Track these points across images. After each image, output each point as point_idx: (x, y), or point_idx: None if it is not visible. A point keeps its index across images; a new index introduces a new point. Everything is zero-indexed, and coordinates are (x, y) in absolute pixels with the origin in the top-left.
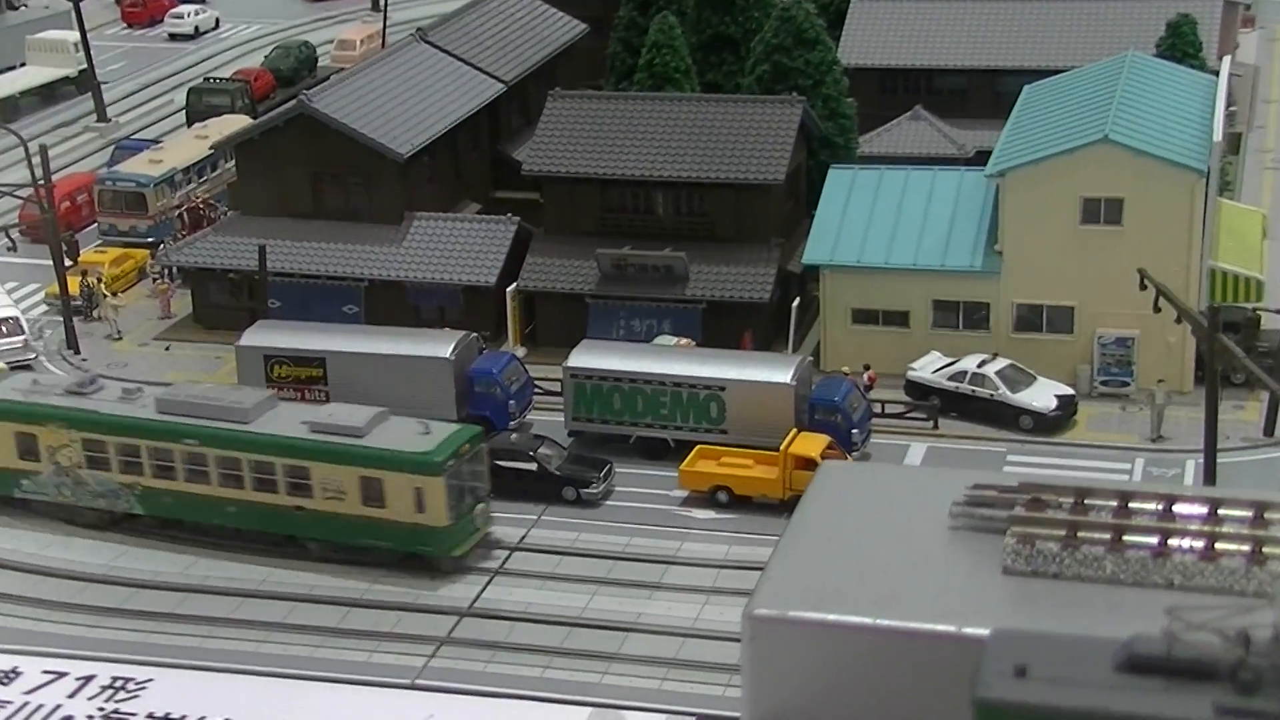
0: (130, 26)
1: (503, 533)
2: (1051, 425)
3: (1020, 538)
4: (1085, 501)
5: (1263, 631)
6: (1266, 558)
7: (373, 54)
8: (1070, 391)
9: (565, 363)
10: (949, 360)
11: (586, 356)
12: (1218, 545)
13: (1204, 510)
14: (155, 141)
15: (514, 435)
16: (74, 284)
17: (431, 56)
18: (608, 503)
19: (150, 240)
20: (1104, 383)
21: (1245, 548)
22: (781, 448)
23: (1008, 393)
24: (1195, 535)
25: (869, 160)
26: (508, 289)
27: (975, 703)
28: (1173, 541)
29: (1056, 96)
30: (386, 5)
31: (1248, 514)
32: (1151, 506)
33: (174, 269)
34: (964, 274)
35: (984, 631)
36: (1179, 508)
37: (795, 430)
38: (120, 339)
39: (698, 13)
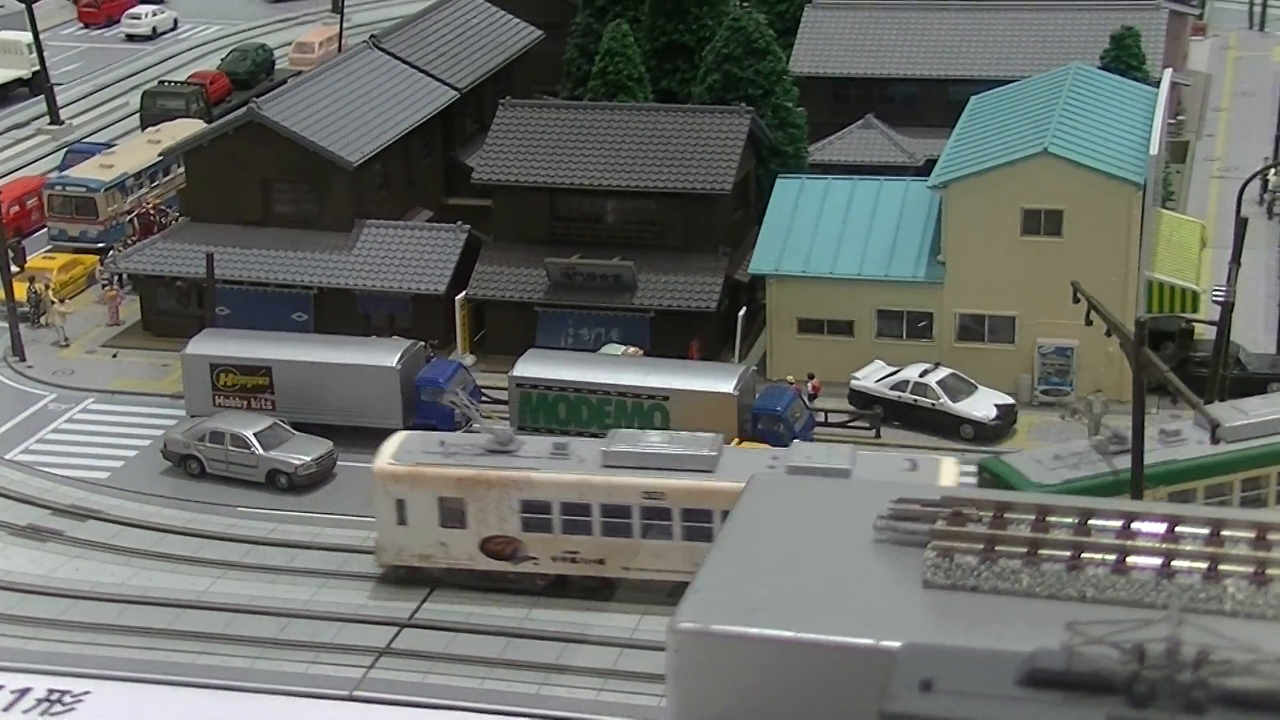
0: (87, 26)
1: None
2: (992, 434)
3: (940, 551)
4: (1005, 515)
5: (1158, 645)
6: (1175, 571)
7: (331, 57)
8: (1010, 401)
9: (511, 372)
10: (892, 369)
11: (532, 366)
12: (1129, 559)
13: (1118, 524)
14: (108, 145)
15: None
16: (21, 290)
17: (384, 63)
18: None
19: (100, 246)
20: (1044, 391)
21: (1156, 561)
22: None
23: (949, 402)
24: (1108, 549)
25: (821, 168)
26: (457, 297)
27: (880, 716)
28: (1086, 555)
29: (1001, 108)
30: (343, 7)
31: (1160, 528)
32: (1068, 520)
33: (123, 275)
34: (908, 284)
35: (901, 644)
36: (1095, 521)
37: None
38: (67, 346)
39: (652, 20)
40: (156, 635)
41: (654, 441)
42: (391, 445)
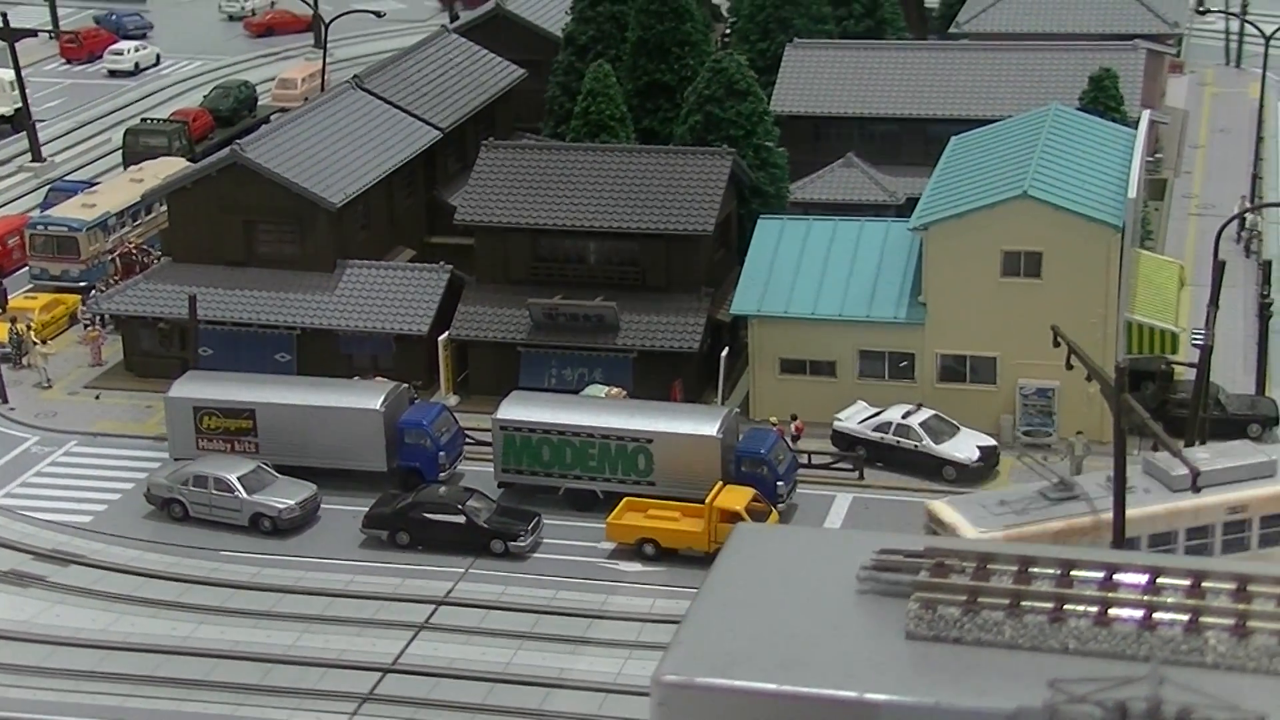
0: (69, 63)
1: (429, 586)
2: (974, 476)
3: (923, 603)
4: (988, 566)
5: (1139, 703)
6: (1157, 623)
7: (314, 93)
8: (992, 442)
9: (494, 414)
10: (874, 410)
11: (515, 408)
12: (1111, 611)
13: (1100, 575)
14: (90, 183)
15: (442, 488)
16: (2, 330)
17: (367, 103)
18: (535, 555)
19: (82, 285)
20: (1026, 432)
21: (1138, 613)
22: (707, 500)
23: (931, 444)
24: (1090, 601)
25: (802, 207)
26: (440, 338)
27: None
28: (1069, 607)
29: (981, 148)
30: (326, 43)
31: (1142, 579)
32: (1050, 571)
33: (105, 315)
34: (889, 324)
35: (884, 697)
36: (1077, 573)
37: (721, 483)
38: (50, 387)
39: (634, 60)
40: (138, 682)
41: (1204, 458)
42: (956, 517)
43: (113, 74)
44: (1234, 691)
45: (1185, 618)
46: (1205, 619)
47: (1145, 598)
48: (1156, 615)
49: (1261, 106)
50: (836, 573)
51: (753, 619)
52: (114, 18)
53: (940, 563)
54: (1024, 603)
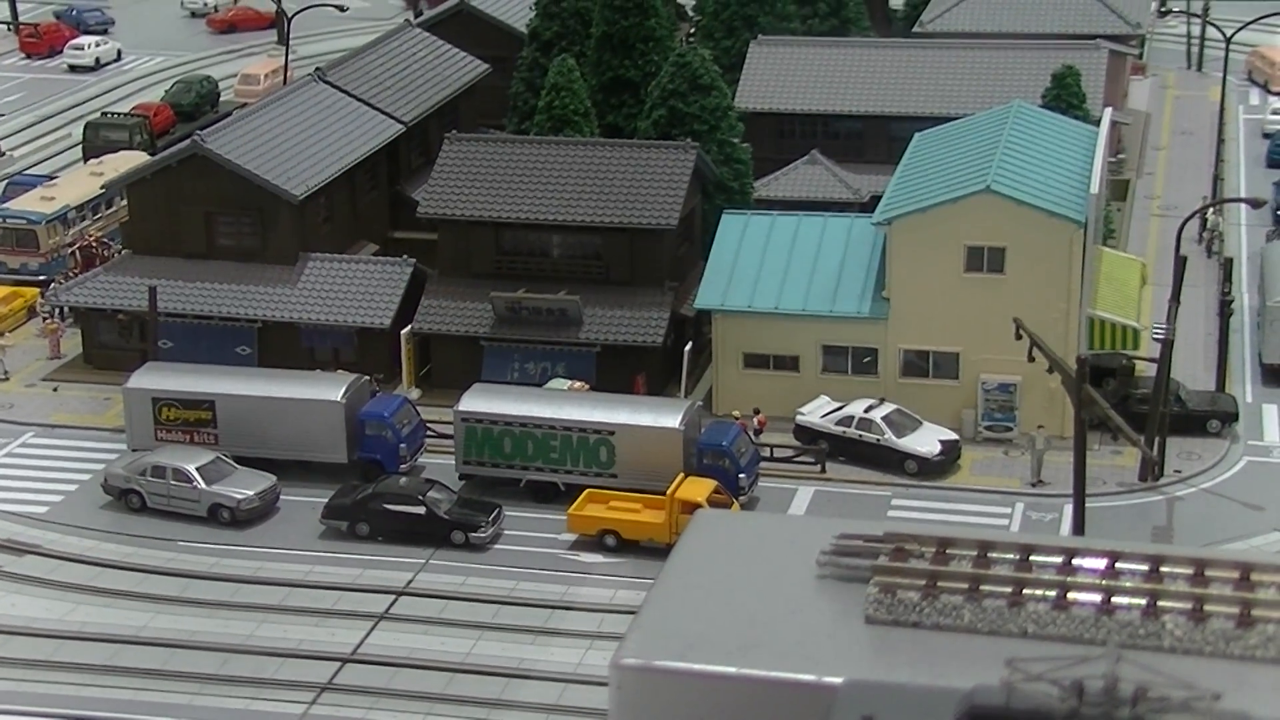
0: (29, 57)
1: (389, 577)
2: (935, 469)
3: (883, 587)
4: (947, 551)
5: (1096, 682)
6: (1115, 607)
7: (276, 89)
8: (954, 436)
9: (456, 406)
10: (837, 405)
11: (477, 400)
12: (1070, 595)
13: (1059, 560)
14: (49, 177)
15: (403, 479)
16: None
17: (330, 96)
18: (496, 546)
19: (41, 278)
20: (988, 427)
21: (1096, 597)
22: (668, 492)
23: (893, 437)
24: (1049, 585)
25: (766, 204)
26: (402, 331)
27: None
28: (1028, 591)
29: (944, 145)
30: (289, 39)
31: (1100, 564)
32: (1010, 556)
33: (64, 308)
34: (852, 319)
35: (842, 680)
36: (1036, 557)
37: (682, 475)
38: (7, 379)
39: (598, 55)
40: (95, 671)
41: None
42: None
43: (73, 69)
44: (1190, 673)
45: (1143, 602)
46: (1163, 603)
47: (1103, 582)
48: (1115, 599)
49: (1222, 109)
50: (796, 557)
51: (712, 603)
52: (74, 13)
53: (900, 547)
54: (983, 587)
